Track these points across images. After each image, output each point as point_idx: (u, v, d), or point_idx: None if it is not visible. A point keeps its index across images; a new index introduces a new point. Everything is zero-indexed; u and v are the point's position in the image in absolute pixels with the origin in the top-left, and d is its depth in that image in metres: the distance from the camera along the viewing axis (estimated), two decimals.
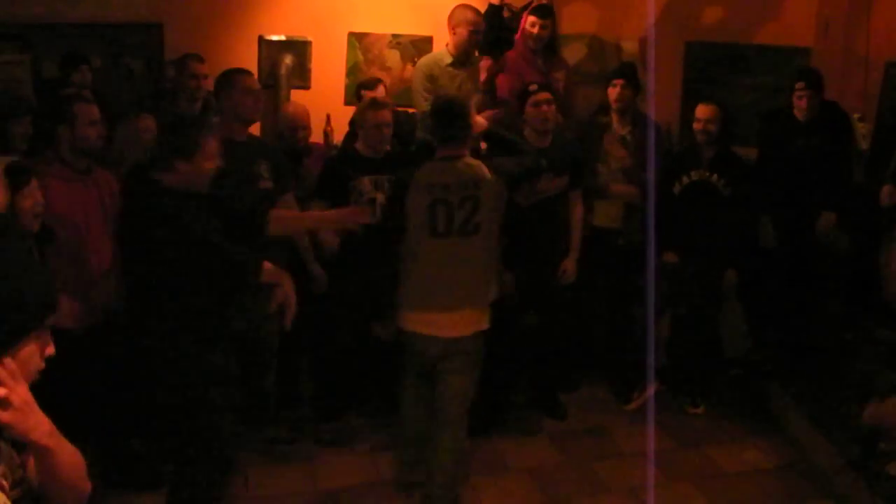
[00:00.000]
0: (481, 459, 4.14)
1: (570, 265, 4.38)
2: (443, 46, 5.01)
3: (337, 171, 4.07)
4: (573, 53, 5.64)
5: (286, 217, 3.46)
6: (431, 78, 4.74)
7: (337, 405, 4.36)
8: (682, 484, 3.99)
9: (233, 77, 3.77)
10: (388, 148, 4.18)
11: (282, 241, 3.72)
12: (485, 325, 3.48)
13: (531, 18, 4.87)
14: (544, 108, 4.22)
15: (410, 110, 5.15)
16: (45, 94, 4.56)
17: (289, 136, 4.34)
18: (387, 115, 4.08)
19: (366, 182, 4.04)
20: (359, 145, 4.16)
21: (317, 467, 4.05)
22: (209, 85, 4.60)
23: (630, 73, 4.78)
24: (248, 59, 5.33)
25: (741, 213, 4.50)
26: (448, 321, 3.38)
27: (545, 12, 4.89)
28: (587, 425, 4.54)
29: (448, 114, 3.42)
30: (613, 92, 4.68)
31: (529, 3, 5.11)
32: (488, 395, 4.16)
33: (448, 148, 3.42)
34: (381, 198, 4.04)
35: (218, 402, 3.05)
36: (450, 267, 3.38)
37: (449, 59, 4.82)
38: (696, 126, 4.49)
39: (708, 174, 4.47)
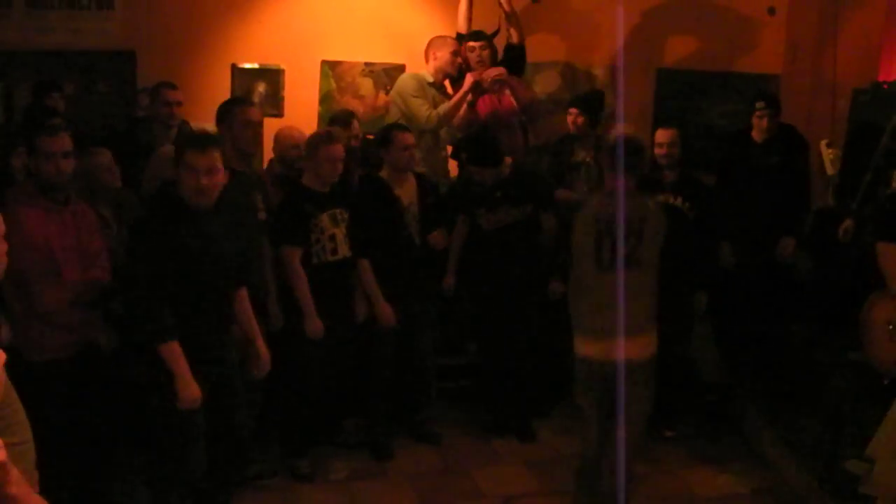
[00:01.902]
0: (453, 484, 4.12)
1: (555, 285, 4.42)
2: None
3: (299, 210, 3.95)
4: (546, 81, 5.70)
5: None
6: (421, 87, 4.91)
7: (306, 439, 4.23)
8: None
9: (233, 109, 3.75)
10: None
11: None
12: (650, 353, 3.55)
13: (468, 44, 4.99)
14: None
15: None
16: (26, 121, 4.50)
17: (292, 157, 4.31)
18: (341, 150, 3.98)
19: (325, 219, 3.97)
20: (307, 180, 4.01)
21: (290, 498, 3.98)
22: (183, 112, 4.61)
23: (585, 102, 4.94)
24: (221, 87, 5.35)
25: (707, 235, 4.53)
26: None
27: (478, 35, 5.00)
28: (561, 451, 4.49)
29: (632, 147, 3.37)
30: (569, 119, 4.91)
31: (497, 32, 5.16)
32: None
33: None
34: (339, 234, 4.01)
35: (194, 429, 3.11)
36: (616, 297, 3.39)
37: (430, 79, 4.99)
38: (659, 150, 4.50)
39: (672, 198, 4.49)
